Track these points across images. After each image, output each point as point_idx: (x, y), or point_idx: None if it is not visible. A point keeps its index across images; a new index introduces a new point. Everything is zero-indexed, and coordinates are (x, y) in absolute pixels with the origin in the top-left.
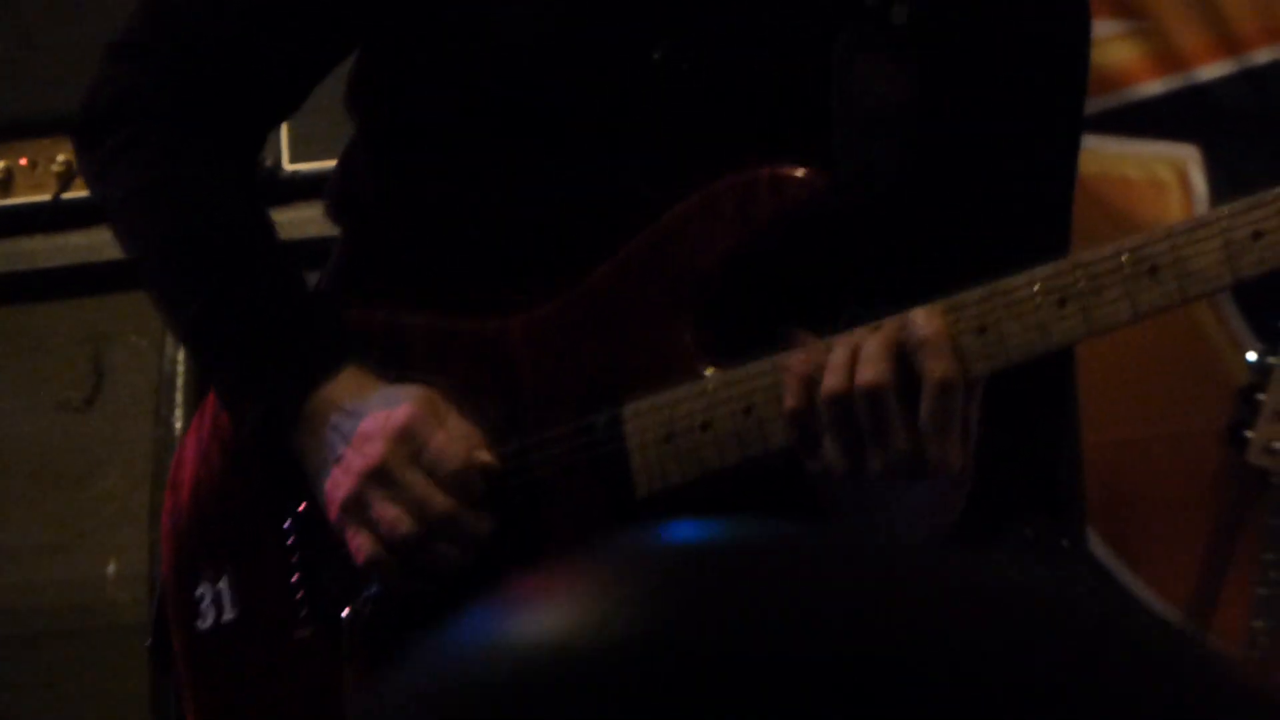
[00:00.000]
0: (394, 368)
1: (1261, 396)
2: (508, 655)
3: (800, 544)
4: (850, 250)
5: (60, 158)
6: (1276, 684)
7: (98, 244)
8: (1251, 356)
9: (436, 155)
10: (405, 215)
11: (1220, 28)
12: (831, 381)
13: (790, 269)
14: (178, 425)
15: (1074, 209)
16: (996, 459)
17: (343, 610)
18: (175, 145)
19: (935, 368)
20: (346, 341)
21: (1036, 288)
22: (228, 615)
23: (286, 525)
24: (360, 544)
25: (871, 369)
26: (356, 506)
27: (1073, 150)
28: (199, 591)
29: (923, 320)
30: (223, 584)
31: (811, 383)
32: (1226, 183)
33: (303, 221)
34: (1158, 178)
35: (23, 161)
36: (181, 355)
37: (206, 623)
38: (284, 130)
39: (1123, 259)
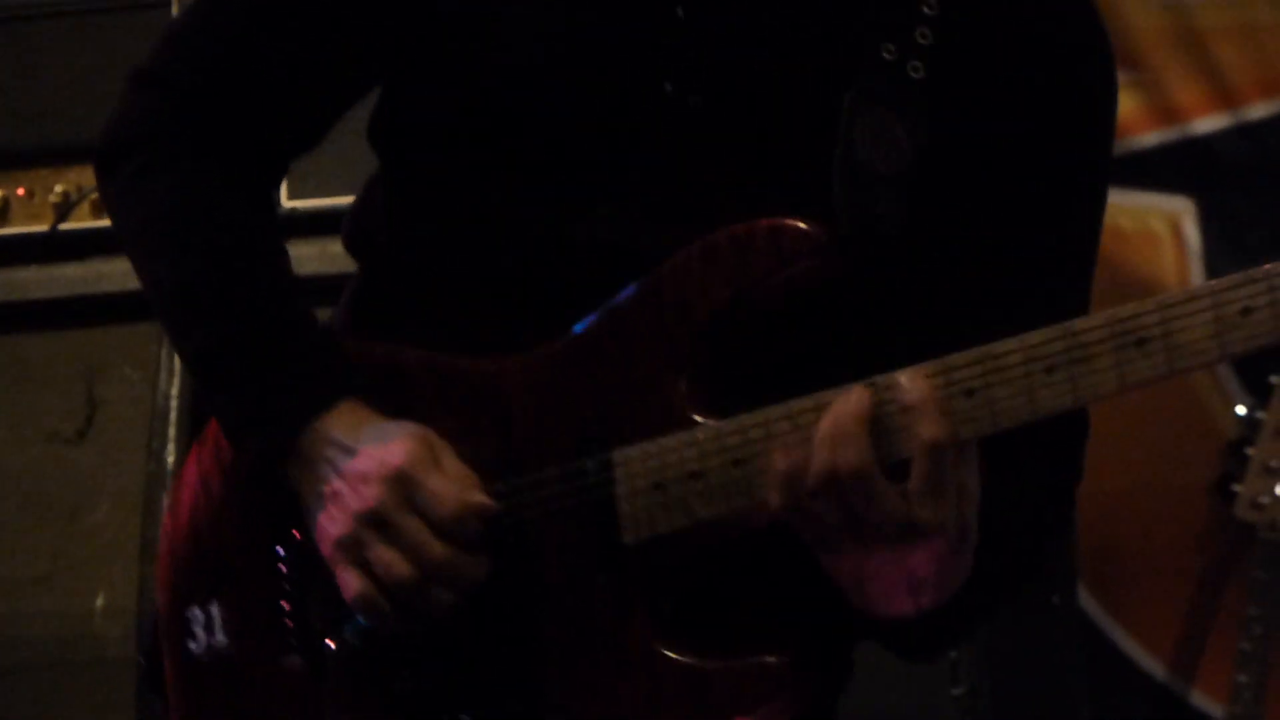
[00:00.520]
0: (391, 402)
1: (1250, 451)
2: None
3: None
4: (851, 307)
5: (58, 188)
6: None
7: (93, 276)
8: (1241, 411)
9: (447, 194)
10: (415, 253)
11: (1216, 81)
12: (813, 482)
13: (790, 326)
14: (170, 459)
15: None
16: (1018, 513)
17: (329, 641)
18: (190, 175)
19: (924, 431)
20: (345, 376)
21: (1025, 355)
22: (218, 639)
23: (280, 554)
24: (350, 582)
25: (852, 451)
26: (352, 547)
27: (1094, 214)
28: (191, 613)
29: (908, 384)
30: (214, 608)
31: (795, 480)
32: (1220, 235)
33: (300, 259)
34: (1151, 229)
35: (20, 191)
36: (175, 389)
37: (198, 645)
38: None
39: (1113, 329)
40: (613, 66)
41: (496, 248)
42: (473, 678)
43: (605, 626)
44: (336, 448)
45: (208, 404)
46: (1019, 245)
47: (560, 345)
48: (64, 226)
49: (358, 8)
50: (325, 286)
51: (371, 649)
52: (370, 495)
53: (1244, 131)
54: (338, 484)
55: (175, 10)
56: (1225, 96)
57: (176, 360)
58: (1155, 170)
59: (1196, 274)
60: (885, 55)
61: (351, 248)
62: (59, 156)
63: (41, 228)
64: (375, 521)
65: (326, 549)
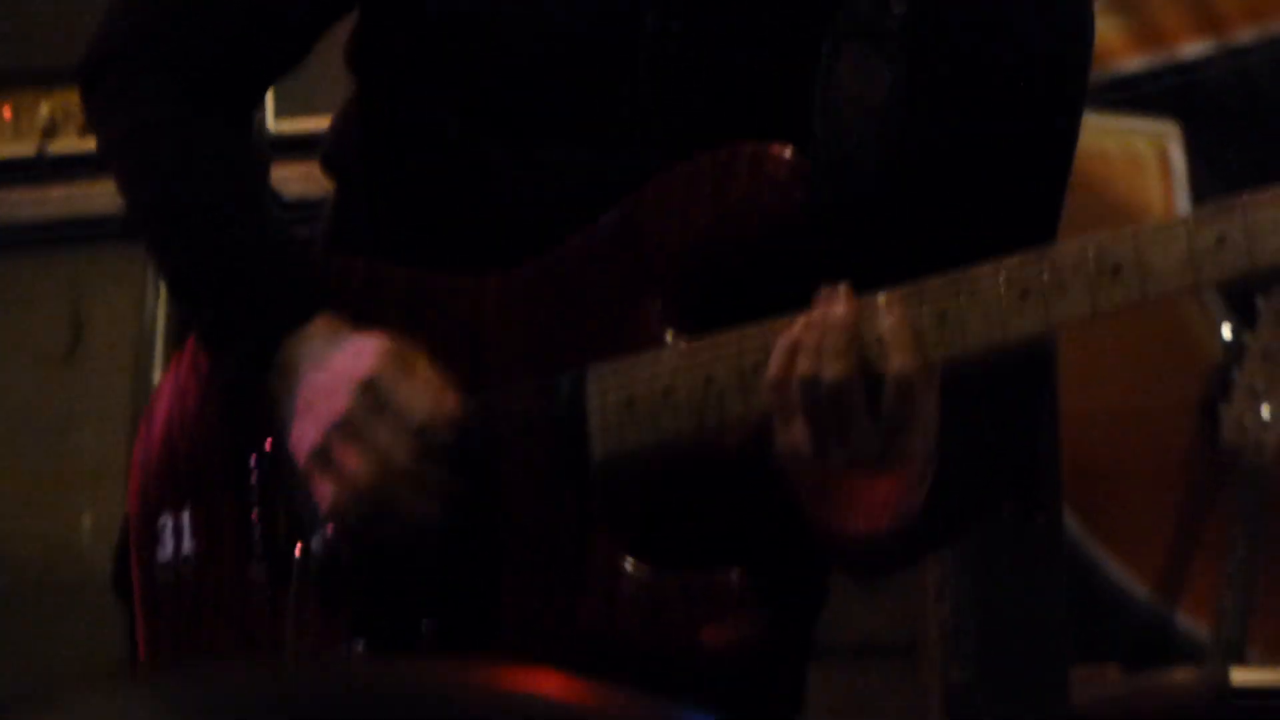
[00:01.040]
0: (369, 318)
1: (1236, 373)
2: None
3: None
4: (827, 244)
5: (44, 110)
6: None
7: (79, 198)
8: (1226, 332)
9: (425, 117)
10: (393, 174)
11: (1202, 6)
12: (805, 365)
13: (767, 262)
14: (156, 380)
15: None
16: (978, 441)
17: (295, 549)
18: (169, 90)
19: (895, 361)
20: (321, 291)
21: (1001, 278)
22: (186, 547)
23: (251, 464)
24: (325, 493)
25: (835, 366)
26: (324, 455)
27: (1066, 152)
28: (161, 522)
29: (884, 308)
30: (184, 517)
31: (794, 357)
32: (1205, 159)
33: (282, 180)
34: (1136, 152)
35: (5, 114)
36: (161, 310)
37: (166, 553)
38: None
39: (1088, 255)
40: (592, 4)
41: (473, 174)
42: (436, 587)
43: (568, 541)
44: (310, 361)
45: (186, 318)
46: (992, 177)
47: (538, 265)
48: (51, 149)
49: None
50: (311, 208)
51: (337, 559)
52: (341, 404)
53: (1230, 56)
54: (311, 395)
55: None
56: (1211, 21)
57: (162, 282)
58: (1140, 94)
59: (1181, 197)
60: None
61: (328, 168)
62: (45, 79)
63: (28, 150)
64: (344, 428)
65: (302, 460)
